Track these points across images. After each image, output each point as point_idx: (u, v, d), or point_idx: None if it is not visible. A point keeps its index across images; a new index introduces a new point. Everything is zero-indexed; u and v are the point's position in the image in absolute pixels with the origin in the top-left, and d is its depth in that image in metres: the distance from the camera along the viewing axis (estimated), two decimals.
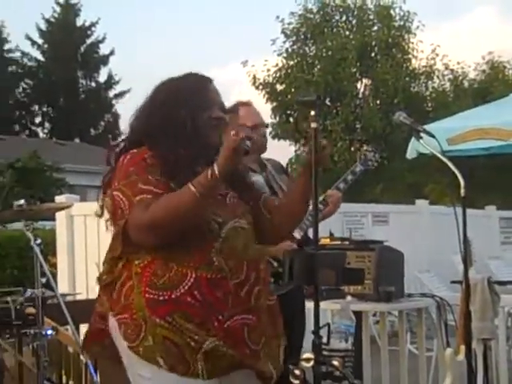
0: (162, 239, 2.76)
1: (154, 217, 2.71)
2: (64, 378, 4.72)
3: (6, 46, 47.02)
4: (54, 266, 9.08)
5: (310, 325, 5.58)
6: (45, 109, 48.23)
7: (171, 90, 2.97)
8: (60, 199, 7.46)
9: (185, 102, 2.92)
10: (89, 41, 47.47)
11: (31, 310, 4.29)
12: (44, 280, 4.08)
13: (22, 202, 3.86)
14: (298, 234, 4.21)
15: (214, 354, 2.75)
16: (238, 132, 2.70)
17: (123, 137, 3.05)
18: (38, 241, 3.77)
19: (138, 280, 2.79)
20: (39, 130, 48.45)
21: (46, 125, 48.47)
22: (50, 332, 3.86)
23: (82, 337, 4.79)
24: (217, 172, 2.68)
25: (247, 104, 4.37)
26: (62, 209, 4.27)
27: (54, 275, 8.97)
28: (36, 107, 48.37)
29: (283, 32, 25.70)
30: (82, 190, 23.97)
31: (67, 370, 4.70)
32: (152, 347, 2.74)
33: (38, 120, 48.63)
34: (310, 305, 4.87)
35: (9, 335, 4.18)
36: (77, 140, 44.82)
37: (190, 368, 2.74)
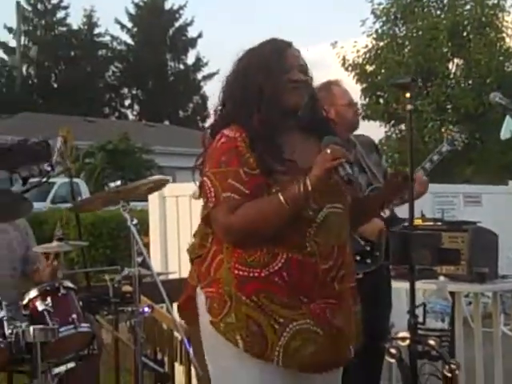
0: (245, 242, 2.77)
1: (242, 223, 2.72)
2: (159, 355, 4.81)
3: (96, 31, 47.91)
4: (146, 245, 9.25)
5: (402, 304, 5.57)
6: (134, 91, 48.95)
7: (251, 57, 2.95)
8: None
9: (264, 67, 2.88)
10: (177, 24, 47.92)
11: (127, 288, 4.36)
12: (139, 259, 4.15)
13: (118, 182, 3.92)
14: (385, 213, 4.19)
15: (298, 337, 2.74)
16: (336, 153, 2.66)
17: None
18: (135, 221, 3.83)
19: (229, 255, 2.80)
20: (129, 112, 49.26)
21: (136, 107, 49.22)
22: (146, 309, 3.93)
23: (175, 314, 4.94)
24: (309, 187, 2.67)
25: (338, 82, 4.37)
26: (159, 186, 4.31)
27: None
28: (125, 90, 49.13)
29: (373, 13, 25.44)
30: (171, 171, 24.26)
31: (162, 346, 4.79)
32: (233, 325, 2.75)
33: (127, 102, 49.43)
34: (399, 284, 4.89)
35: (107, 312, 4.29)
36: (166, 122, 45.34)
37: (267, 351, 2.73)
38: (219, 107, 2.99)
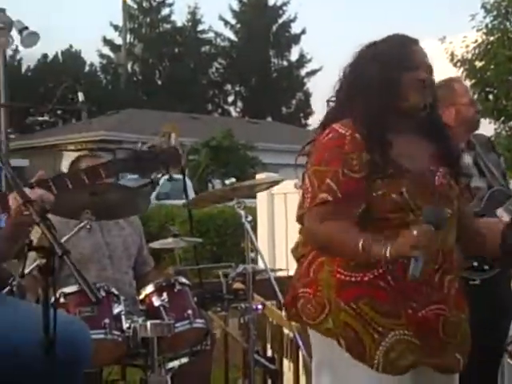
0: (327, 253, 2.74)
1: (324, 237, 2.66)
2: (269, 352, 4.81)
3: (200, 27, 48.48)
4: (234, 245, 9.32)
5: None
6: (237, 88, 49.34)
7: (375, 50, 2.83)
8: (260, 177, 7.56)
9: (389, 64, 2.78)
10: (280, 20, 48.06)
11: (238, 285, 4.38)
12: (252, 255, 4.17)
13: (233, 179, 3.95)
14: (506, 217, 4.05)
15: (397, 348, 2.66)
16: (419, 241, 2.50)
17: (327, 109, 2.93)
18: (249, 218, 3.84)
19: (330, 258, 2.73)
20: (231, 108, 49.71)
21: (239, 104, 49.62)
22: (260, 307, 3.94)
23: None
24: (388, 255, 2.54)
25: (459, 79, 4.26)
26: (273, 184, 4.33)
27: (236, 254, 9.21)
28: (229, 86, 49.58)
29: (483, 7, 24.83)
30: (275, 168, 24.32)
31: (272, 343, 4.79)
32: (331, 331, 2.69)
33: (230, 99, 49.88)
34: None
35: (220, 309, 4.31)
36: (268, 119, 45.53)
37: (366, 356, 2.66)
38: (333, 98, 2.90)
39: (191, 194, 19.21)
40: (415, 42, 2.89)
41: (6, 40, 4.38)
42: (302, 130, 40.94)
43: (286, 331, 5.04)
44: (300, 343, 3.96)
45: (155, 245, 4.43)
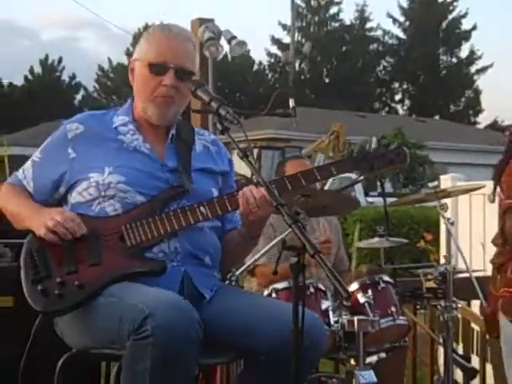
0: None
1: None
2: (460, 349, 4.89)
3: (368, 25, 48.43)
4: (428, 242, 9.27)
5: None
6: (405, 86, 48.95)
7: None
8: (446, 179, 7.59)
9: None
10: (450, 16, 47.26)
11: (430, 283, 4.47)
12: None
13: (435, 183, 4.05)
14: None
15: None
16: None
17: None
18: (451, 220, 3.94)
19: None
20: (399, 107, 49.36)
21: (406, 102, 49.22)
22: (459, 305, 4.04)
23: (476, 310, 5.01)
24: None
25: None
26: (473, 190, 4.41)
27: (429, 252, 9.16)
28: (396, 84, 49.25)
29: None
30: (443, 167, 24.04)
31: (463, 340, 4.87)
32: None
33: (397, 97, 49.55)
34: None
35: (419, 307, 4.42)
36: (436, 117, 44.90)
37: None
38: None
39: (360, 194, 19.31)
40: None
41: (216, 49, 4.66)
42: (470, 129, 40.16)
43: (475, 327, 5.13)
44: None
45: (361, 244, 4.62)
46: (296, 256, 2.19)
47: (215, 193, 2.89)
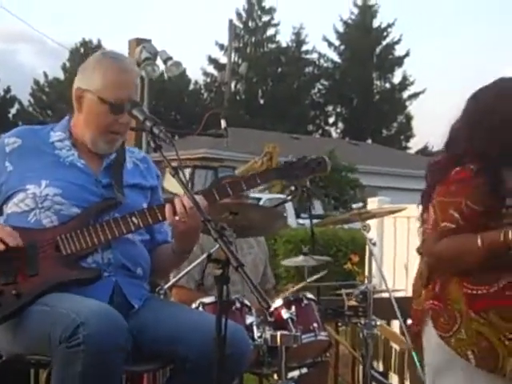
0: (451, 271, 2.88)
1: (443, 252, 2.85)
2: (380, 367, 5.06)
3: (304, 48, 48.93)
4: (355, 264, 9.48)
5: None
6: (338, 109, 49.51)
7: (493, 103, 2.94)
8: (373, 201, 7.78)
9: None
10: (384, 42, 48.03)
11: (352, 302, 4.63)
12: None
13: (360, 205, 4.22)
14: None
15: None
16: None
17: (442, 149, 3.05)
18: (373, 240, 4.12)
19: (456, 279, 2.88)
20: (332, 129, 49.87)
21: (340, 125, 49.78)
22: (378, 323, 4.20)
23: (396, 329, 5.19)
24: (507, 237, 2.74)
25: None
26: (396, 212, 4.61)
27: (356, 273, 9.36)
28: (330, 107, 49.80)
29: None
30: (373, 190, 24.36)
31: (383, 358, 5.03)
32: (464, 341, 2.84)
33: (331, 120, 50.10)
34: None
35: (341, 324, 4.58)
36: (369, 140, 45.52)
37: (498, 366, 2.81)
38: (454, 126, 3.03)
39: (291, 215, 19.47)
40: None
41: (152, 69, 4.76)
42: (401, 154, 40.80)
43: (394, 346, 5.31)
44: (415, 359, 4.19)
45: (286, 262, 4.76)
46: (220, 268, 2.32)
47: (145, 207, 3.01)
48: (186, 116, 42.80)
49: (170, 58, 4.96)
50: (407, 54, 47.78)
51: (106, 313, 2.57)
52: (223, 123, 5.17)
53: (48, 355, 2.62)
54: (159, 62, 5.01)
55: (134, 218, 2.85)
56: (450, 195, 2.89)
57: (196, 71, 61.04)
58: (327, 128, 49.72)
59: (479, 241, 2.78)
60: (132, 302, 2.90)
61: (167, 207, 2.82)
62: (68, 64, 44.96)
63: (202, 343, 2.67)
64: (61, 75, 45.15)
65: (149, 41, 4.97)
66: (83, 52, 42.60)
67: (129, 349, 2.58)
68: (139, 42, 4.96)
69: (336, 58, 48.72)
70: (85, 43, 46.70)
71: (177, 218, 2.79)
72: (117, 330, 2.54)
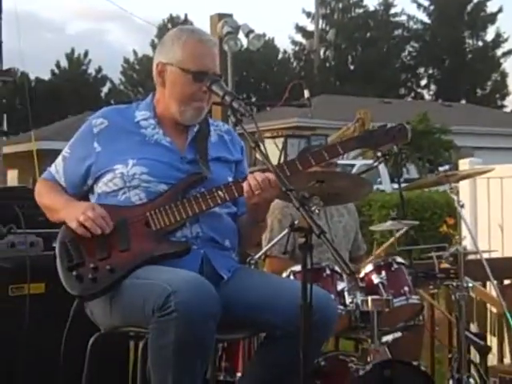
0: None
1: None
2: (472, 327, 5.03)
3: (392, 11, 48.29)
4: (450, 227, 9.39)
5: None
6: (430, 71, 48.74)
7: None
8: (464, 163, 7.70)
9: None
10: None
11: (445, 265, 4.61)
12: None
13: (447, 167, 4.19)
14: None
15: None
16: None
17: None
18: (462, 202, 4.10)
19: None
20: (425, 92, 49.17)
21: (432, 87, 49.01)
22: (471, 285, 4.18)
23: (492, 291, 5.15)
24: None
25: None
26: (485, 172, 4.57)
27: (452, 236, 9.28)
28: (421, 70, 49.05)
29: None
30: (469, 151, 23.95)
31: (478, 320, 5.00)
32: None
33: (423, 82, 49.36)
34: None
35: (432, 287, 4.56)
36: (463, 101, 44.70)
37: None
38: None
39: (386, 181, 19.39)
40: None
41: (234, 43, 4.82)
42: (498, 112, 39.94)
43: (490, 308, 5.27)
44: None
45: (374, 227, 4.79)
46: (303, 237, 2.38)
47: (230, 180, 3.07)
48: (275, 86, 42.81)
49: (252, 31, 5.01)
50: (500, 10, 46.74)
51: (196, 281, 2.65)
52: (306, 93, 5.20)
53: (144, 327, 2.72)
54: (241, 35, 5.07)
55: (219, 192, 2.92)
56: None
57: (284, 40, 61.02)
58: (419, 91, 49.05)
59: None
60: (221, 273, 2.97)
61: (247, 181, 2.88)
62: (156, 40, 45.50)
63: (288, 310, 2.74)
64: (150, 52, 45.70)
65: (230, 15, 5.03)
66: (171, 28, 43.00)
67: (219, 316, 2.65)
68: (221, 17, 5.03)
69: (425, 18, 48.00)
70: (172, 19, 47.17)
71: (249, 191, 2.86)
72: (208, 298, 2.61)
